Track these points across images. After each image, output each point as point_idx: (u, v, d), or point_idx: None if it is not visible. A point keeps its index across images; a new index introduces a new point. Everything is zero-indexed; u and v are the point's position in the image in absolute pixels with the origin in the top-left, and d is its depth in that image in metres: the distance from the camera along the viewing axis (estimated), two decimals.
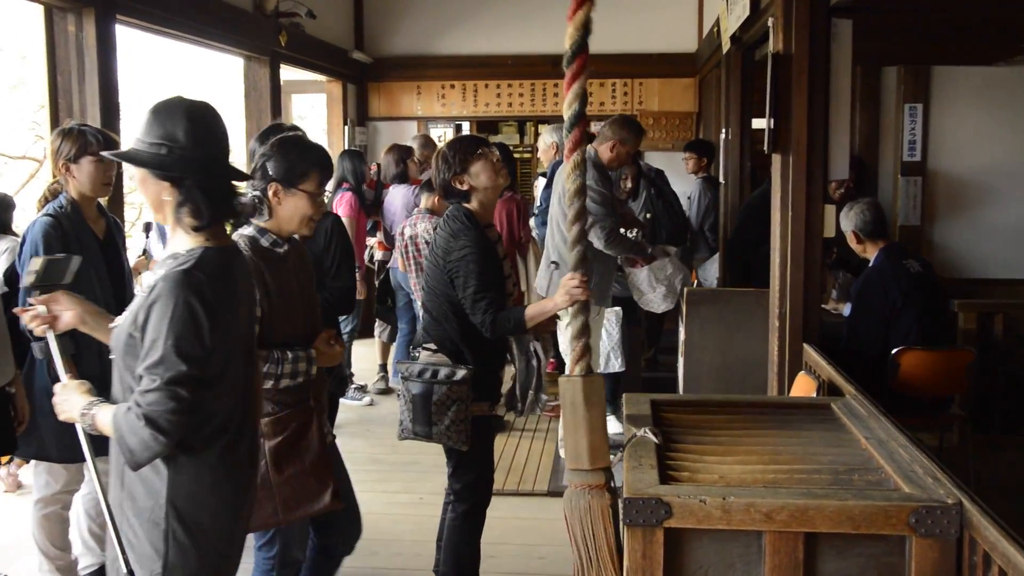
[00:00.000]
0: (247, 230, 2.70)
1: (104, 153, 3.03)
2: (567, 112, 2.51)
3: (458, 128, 9.13)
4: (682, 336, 5.10)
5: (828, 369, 3.40)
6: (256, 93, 6.48)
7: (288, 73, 7.28)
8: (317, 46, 7.46)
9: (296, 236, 2.81)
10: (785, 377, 3.88)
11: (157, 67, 7.94)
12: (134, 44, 7.15)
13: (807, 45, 3.91)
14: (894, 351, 4.04)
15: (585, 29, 2.47)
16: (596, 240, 4.75)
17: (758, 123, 6.19)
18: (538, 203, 6.30)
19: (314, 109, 9.10)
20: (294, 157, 2.71)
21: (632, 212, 5.98)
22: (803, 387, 3.57)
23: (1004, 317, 4.94)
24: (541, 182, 6.50)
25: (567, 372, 2.65)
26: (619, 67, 8.63)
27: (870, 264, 4.32)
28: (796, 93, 3.89)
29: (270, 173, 2.68)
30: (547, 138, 6.28)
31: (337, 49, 8.08)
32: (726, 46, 6.03)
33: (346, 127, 8.56)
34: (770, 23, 4.22)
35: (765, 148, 4.04)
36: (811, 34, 3.90)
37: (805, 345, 3.81)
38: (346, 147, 8.15)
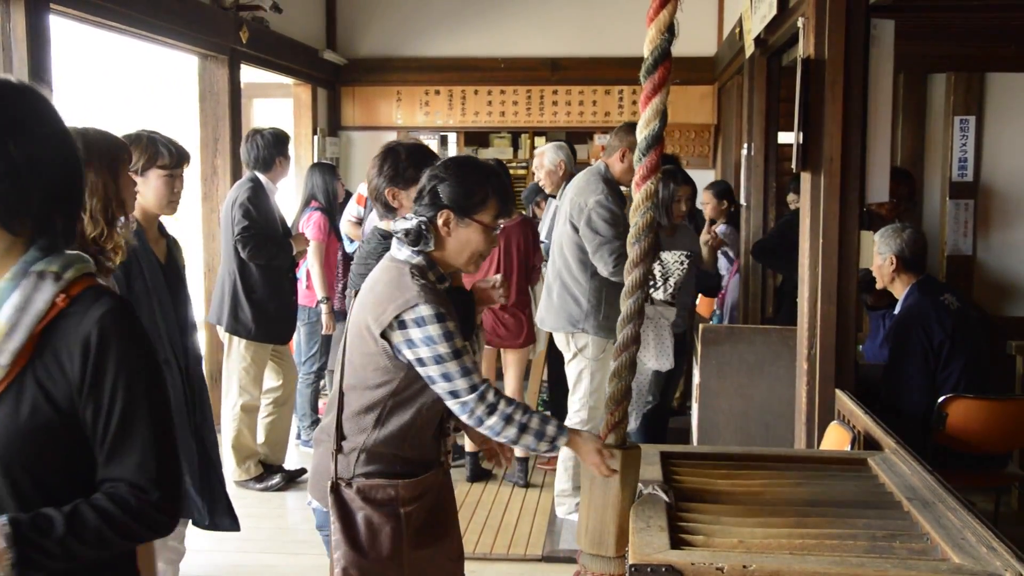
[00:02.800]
0: (410, 255, 2.65)
1: None
2: (644, 131, 2.50)
3: (443, 140, 9.17)
4: (696, 379, 5.08)
5: (865, 419, 3.38)
6: (213, 96, 6.50)
7: (250, 74, 7.32)
8: (283, 44, 7.50)
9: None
10: (815, 427, 3.87)
11: (99, 64, 7.95)
12: (72, 38, 7.15)
13: (843, 49, 3.93)
14: (941, 400, 4.03)
15: (670, 32, 2.46)
16: (601, 265, 4.75)
17: (785, 137, 6.22)
18: (548, 227, 6.32)
19: (279, 116, 9.12)
20: (472, 182, 2.67)
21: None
22: (835, 439, 3.56)
23: None
24: (552, 205, 6.51)
25: (601, 438, 2.60)
26: (627, 72, 8.55)
27: (904, 300, 4.32)
28: (830, 103, 3.91)
29: (442, 199, 2.64)
30: (553, 156, 6.30)
31: (306, 48, 8.12)
32: (749, 49, 6.07)
33: (316, 137, 8.58)
34: (800, 24, 4.25)
35: (793, 165, 4.05)
36: (847, 36, 3.93)
37: (838, 391, 3.80)
38: (315, 160, 8.18)
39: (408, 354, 2.54)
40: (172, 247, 3.59)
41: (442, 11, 8.87)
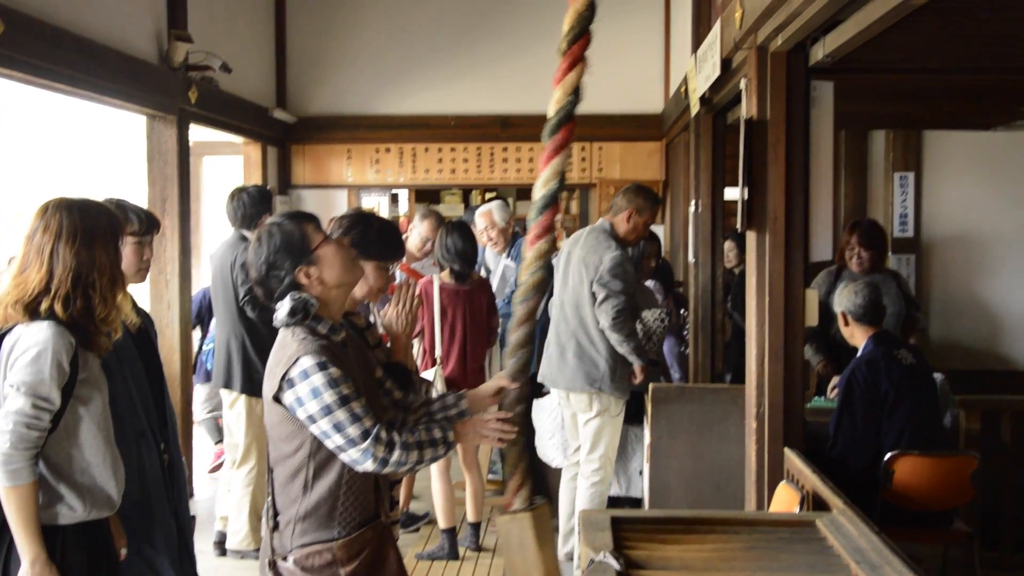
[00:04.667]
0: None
1: None
2: (541, 190, 2.49)
3: (394, 198, 9.17)
4: (647, 439, 5.06)
5: (812, 478, 3.38)
6: (161, 156, 6.42)
7: (200, 132, 7.27)
8: (233, 104, 7.47)
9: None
10: (764, 487, 3.86)
11: (44, 125, 7.87)
12: (16, 99, 7.08)
13: (784, 109, 3.98)
14: (887, 457, 4.04)
15: (575, 95, 2.47)
16: (603, 317, 4.81)
17: (731, 193, 6.28)
18: (511, 287, 6.30)
19: (229, 173, 9.07)
20: (288, 230, 2.67)
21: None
22: (784, 499, 3.55)
23: (1011, 416, 4.97)
24: (508, 263, 6.49)
25: (505, 506, 2.57)
26: (577, 129, 8.73)
27: (858, 355, 4.34)
28: (773, 163, 3.95)
29: (284, 262, 2.64)
30: (504, 214, 6.31)
31: (256, 107, 8.10)
32: (695, 108, 6.14)
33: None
34: (743, 85, 4.30)
35: (738, 225, 4.08)
36: (788, 98, 3.99)
37: (786, 450, 3.80)
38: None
39: (300, 414, 2.51)
40: (142, 317, 3.53)
41: (393, 69, 8.89)
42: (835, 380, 4.89)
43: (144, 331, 3.49)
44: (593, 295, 4.94)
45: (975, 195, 7.01)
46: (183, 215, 6.36)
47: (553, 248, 2.58)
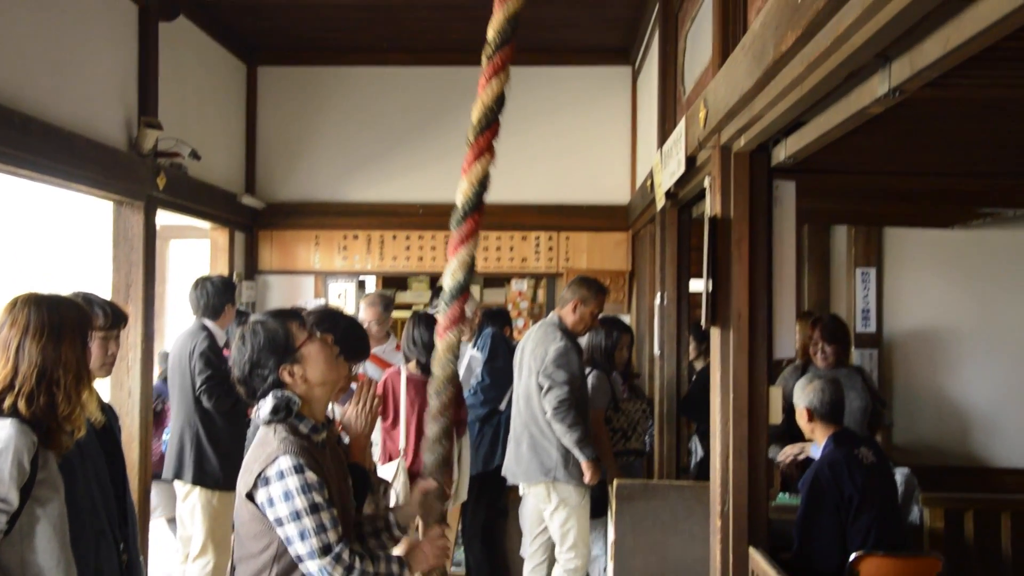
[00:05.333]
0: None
1: None
2: (449, 281, 2.49)
3: (361, 284, 9.14)
4: (611, 537, 5.00)
5: None
6: (127, 242, 6.38)
7: (167, 216, 7.25)
8: (201, 190, 7.47)
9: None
10: None
11: (7, 209, 7.83)
12: None
13: (747, 208, 4.04)
14: (852, 558, 4.00)
15: (482, 185, 2.49)
16: (547, 406, 4.81)
17: (696, 285, 6.32)
18: (477, 378, 6.27)
19: (195, 258, 9.03)
20: (272, 328, 2.67)
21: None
22: None
23: (975, 514, 4.97)
24: (474, 354, 6.46)
25: None
26: (544, 219, 8.82)
27: (821, 451, 4.33)
28: (736, 261, 3.99)
29: (269, 360, 2.64)
30: (469, 305, 6.28)
31: (225, 193, 8.10)
32: (660, 202, 6.20)
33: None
34: (707, 183, 4.36)
35: (703, 321, 4.09)
36: (751, 196, 4.04)
37: (751, 549, 3.76)
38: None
39: (269, 514, 2.47)
40: (106, 412, 3.46)
41: (361, 158, 8.94)
42: None
43: (108, 427, 3.43)
44: (540, 386, 4.96)
45: (936, 291, 7.09)
46: (147, 301, 6.30)
47: (460, 338, 2.57)
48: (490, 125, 2.51)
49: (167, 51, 6.81)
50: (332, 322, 3.07)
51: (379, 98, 8.95)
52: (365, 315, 6.09)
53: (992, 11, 2.02)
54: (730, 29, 4.10)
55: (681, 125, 5.00)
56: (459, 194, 2.43)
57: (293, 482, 2.44)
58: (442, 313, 2.54)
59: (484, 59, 2.46)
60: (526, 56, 8.54)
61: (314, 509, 2.44)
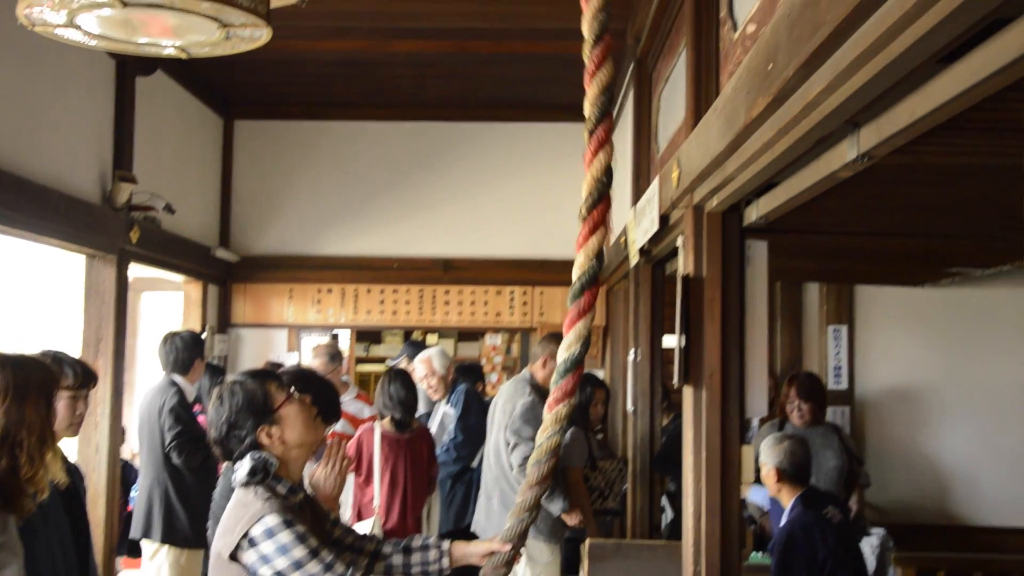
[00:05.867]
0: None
1: None
2: (564, 354, 2.48)
3: (335, 338, 9.12)
4: None
5: None
6: (98, 296, 6.34)
7: (140, 269, 7.22)
8: (175, 243, 7.45)
9: None
10: None
11: None
12: None
13: (720, 268, 4.06)
14: None
15: (599, 260, 2.48)
16: (514, 462, 4.79)
17: (670, 341, 6.34)
18: (450, 435, 6.24)
19: (168, 310, 8.98)
20: (250, 388, 2.66)
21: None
22: None
23: (948, 573, 4.97)
24: (447, 410, 6.44)
25: None
26: (518, 273, 8.85)
27: (788, 512, 4.33)
28: (709, 320, 4.00)
29: (247, 421, 2.62)
30: (444, 361, 6.30)
31: (199, 246, 8.08)
32: (634, 259, 6.23)
33: (205, 334, 8.43)
34: (679, 242, 4.39)
35: (675, 380, 4.10)
36: (724, 256, 4.07)
37: None
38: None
39: (265, 571, 2.44)
40: (72, 474, 3.42)
41: (337, 211, 8.96)
42: None
43: (74, 489, 3.39)
44: (507, 441, 4.96)
45: (907, 348, 7.14)
46: (117, 355, 6.25)
47: (571, 413, 2.57)
48: (602, 198, 2.52)
49: (144, 105, 6.83)
50: (307, 383, 3.06)
51: (355, 152, 9.00)
52: (312, 365, 6.10)
53: (955, 85, 2.06)
54: (703, 91, 4.15)
55: (655, 184, 5.04)
56: (575, 268, 2.43)
57: (286, 536, 2.44)
58: (554, 385, 2.54)
59: (586, 134, 2.50)
60: (502, 112, 8.73)
61: (314, 553, 2.46)
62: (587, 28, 2.36)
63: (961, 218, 4.54)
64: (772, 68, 2.59)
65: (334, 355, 6.57)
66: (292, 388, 2.89)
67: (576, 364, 2.47)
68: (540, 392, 5.10)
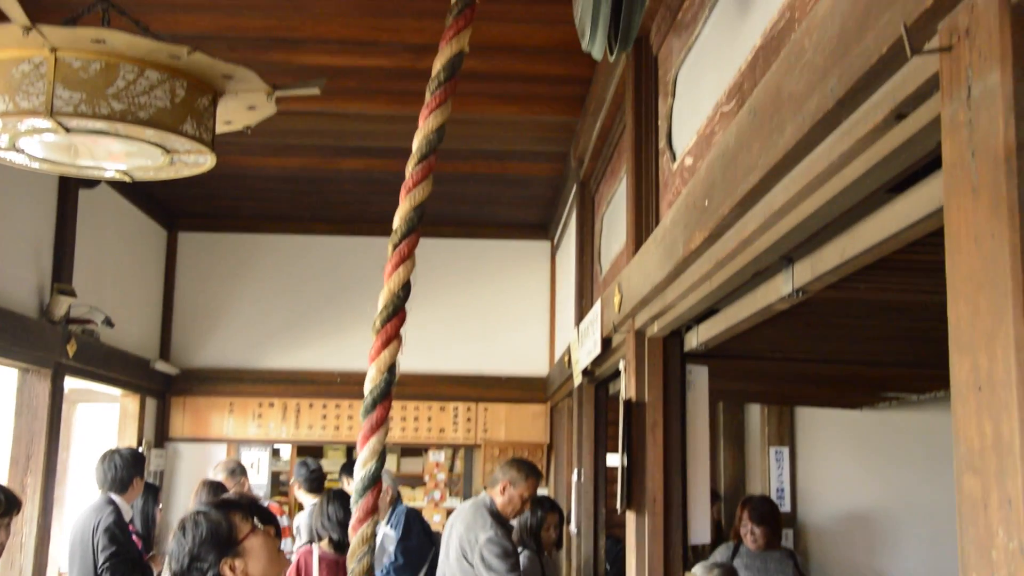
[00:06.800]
0: None
1: None
2: (361, 471, 2.43)
3: (275, 453, 8.97)
4: None
5: None
6: (30, 411, 6.20)
7: (77, 380, 7.09)
8: (113, 356, 7.34)
9: None
10: None
11: None
12: None
13: (661, 393, 4.09)
14: None
15: (390, 373, 2.46)
16: None
17: (613, 459, 6.31)
18: (390, 558, 6.10)
19: (103, 423, 8.77)
20: (213, 520, 2.58)
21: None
22: None
23: None
24: (387, 531, 6.31)
25: None
26: (462, 389, 8.82)
27: None
28: (651, 446, 4.01)
29: (208, 555, 2.53)
30: (387, 480, 6.19)
31: (138, 359, 7.97)
32: (578, 379, 6.25)
33: (140, 449, 8.25)
34: (621, 366, 4.42)
35: (618, 506, 4.08)
36: (665, 381, 4.10)
37: None
38: None
39: None
40: None
41: (280, 324, 8.91)
42: None
43: None
44: (472, 570, 4.83)
45: (848, 471, 7.18)
46: (48, 472, 6.09)
47: (374, 531, 2.51)
48: (397, 311, 2.50)
49: (87, 217, 6.80)
50: (269, 514, 3.00)
51: (299, 265, 9.01)
52: (219, 478, 6.03)
53: (881, 230, 2.13)
54: (643, 218, 4.24)
55: (597, 306, 5.09)
56: (367, 382, 2.40)
57: None
58: (354, 505, 2.48)
59: (390, 247, 2.49)
60: (448, 229, 8.80)
61: None
62: (416, 143, 2.41)
63: (894, 348, 4.65)
64: (708, 204, 2.66)
65: (233, 470, 6.49)
66: (255, 519, 2.84)
67: (373, 481, 2.43)
68: (501, 520, 5.00)
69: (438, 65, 2.34)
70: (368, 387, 2.44)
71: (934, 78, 1.48)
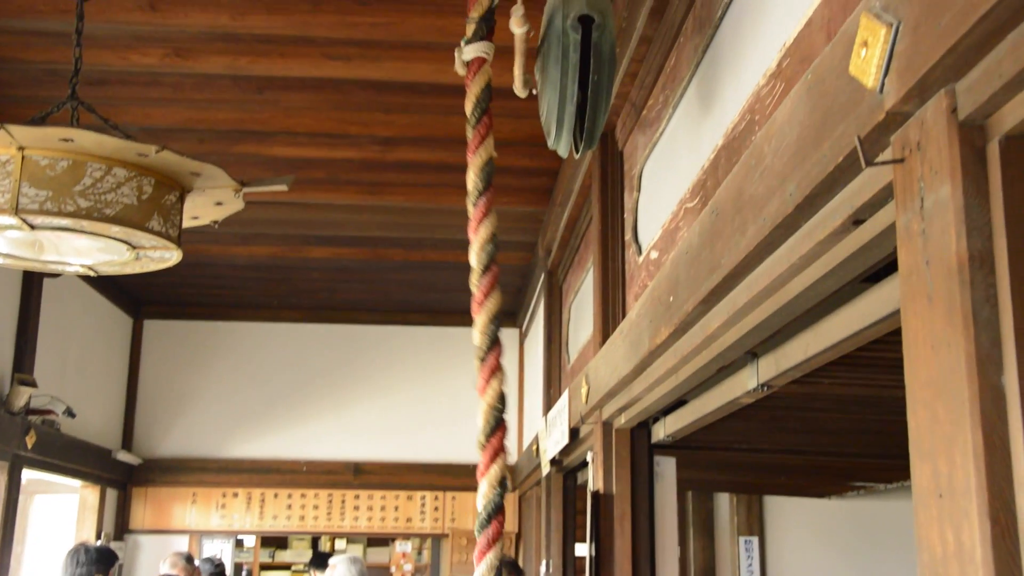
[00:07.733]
0: None
1: None
2: None
3: (239, 544, 8.80)
4: None
5: None
6: None
7: (34, 472, 6.95)
8: (74, 447, 7.21)
9: None
10: None
11: None
12: None
13: (629, 483, 4.07)
14: None
15: (502, 486, 2.44)
16: None
17: (582, 549, 6.25)
18: None
19: (62, 515, 8.58)
20: None
21: None
22: None
23: None
24: None
25: None
26: (429, 478, 8.73)
27: None
28: (619, 536, 3.98)
29: None
30: (354, 570, 6.08)
31: (99, 449, 7.83)
32: (546, 468, 6.21)
33: (100, 541, 8.07)
34: (589, 456, 4.40)
35: None
36: (633, 472, 4.09)
37: None
38: None
39: None
40: None
41: (245, 413, 8.82)
42: None
43: None
44: None
45: (817, 559, 7.14)
46: (1, 568, 5.93)
47: None
48: (499, 425, 2.48)
49: (50, 305, 6.75)
50: None
51: (266, 353, 8.95)
52: (172, 573, 5.90)
53: (843, 328, 2.16)
54: (609, 309, 4.26)
55: (565, 396, 5.09)
56: (480, 498, 2.37)
57: None
58: None
59: (477, 362, 2.50)
60: (416, 316, 8.80)
61: None
62: (474, 258, 2.42)
63: (860, 440, 4.68)
64: (673, 300, 2.69)
65: (189, 558, 6.37)
66: None
67: None
68: None
69: (472, 176, 2.36)
70: (481, 504, 2.41)
71: (889, 187, 1.52)
